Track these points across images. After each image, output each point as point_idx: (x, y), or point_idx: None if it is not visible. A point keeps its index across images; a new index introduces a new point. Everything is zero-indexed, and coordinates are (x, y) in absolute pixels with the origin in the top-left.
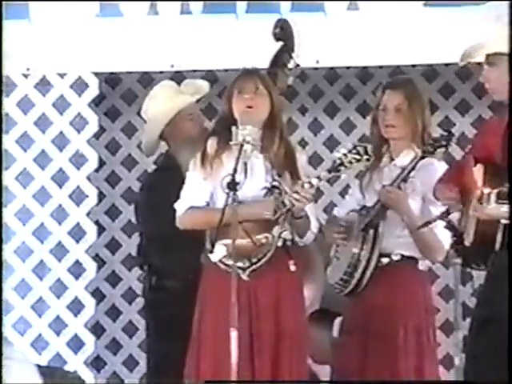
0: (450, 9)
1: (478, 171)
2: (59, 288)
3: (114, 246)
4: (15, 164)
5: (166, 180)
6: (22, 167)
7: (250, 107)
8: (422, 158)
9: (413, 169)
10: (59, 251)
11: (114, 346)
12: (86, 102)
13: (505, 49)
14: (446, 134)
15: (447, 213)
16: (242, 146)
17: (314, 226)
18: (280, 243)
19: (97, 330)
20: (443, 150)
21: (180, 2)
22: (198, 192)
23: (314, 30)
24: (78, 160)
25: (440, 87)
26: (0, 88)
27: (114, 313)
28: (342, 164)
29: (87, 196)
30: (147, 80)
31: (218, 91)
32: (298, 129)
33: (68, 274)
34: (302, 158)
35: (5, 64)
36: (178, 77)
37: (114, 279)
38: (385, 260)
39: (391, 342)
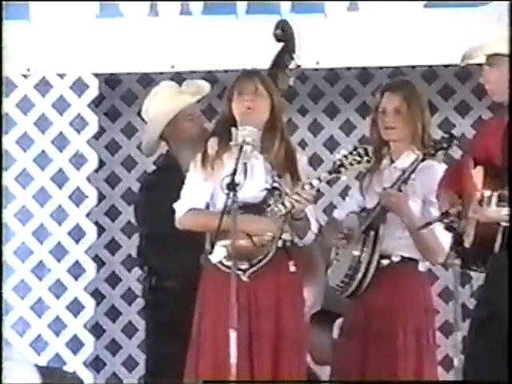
0: (450, 10)
1: (477, 173)
2: (59, 288)
3: (113, 246)
4: (15, 164)
5: (165, 180)
6: (21, 168)
7: (250, 109)
8: (423, 160)
9: (413, 171)
10: (59, 252)
11: (114, 347)
12: (85, 102)
13: (505, 50)
14: (447, 136)
15: (447, 214)
16: (241, 146)
17: (314, 227)
18: (280, 244)
19: (96, 330)
20: (444, 152)
21: (180, 3)
22: (198, 193)
23: (314, 30)
24: (78, 160)
25: (440, 88)
26: (0, 89)
27: (113, 313)
28: (342, 165)
29: (87, 196)
30: (147, 81)
31: (218, 92)
32: (297, 130)
33: (68, 274)
34: (302, 160)
35: (5, 64)
36: (178, 77)
37: (113, 280)
38: (385, 262)
39: (391, 343)
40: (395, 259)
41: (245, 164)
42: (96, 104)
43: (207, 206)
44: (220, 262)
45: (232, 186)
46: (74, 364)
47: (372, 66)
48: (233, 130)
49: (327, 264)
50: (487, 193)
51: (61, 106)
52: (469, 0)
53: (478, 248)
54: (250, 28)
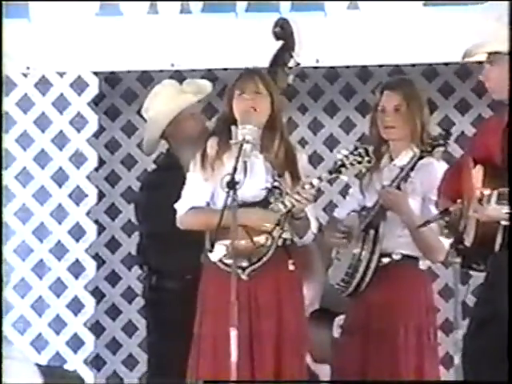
0: (449, 8)
1: (477, 172)
2: (59, 287)
3: (113, 245)
4: (15, 163)
5: (166, 179)
6: (21, 166)
7: (251, 108)
8: (421, 157)
9: (412, 169)
10: (59, 250)
11: (114, 346)
12: (85, 101)
13: (505, 48)
14: (443, 132)
15: (447, 212)
16: (241, 145)
17: (314, 227)
18: (280, 243)
19: (96, 329)
20: (441, 149)
21: (180, 2)
22: (199, 193)
23: (313, 29)
24: (78, 159)
25: (440, 86)
26: (0, 87)
27: (113, 312)
28: (343, 165)
29: (87, 195)
30: (147, 79)
31: (218, 90)
32: (297, 128)
33: (68, 273)
34: (302, 159)
35: (4, 63)
36: (178, 76)
37: (113, 278)
38: (385, 260)
39: (392, 341)
40: (396, 257)
41: (245, 162)
42: (96, 102)
43: (207, 205)
44: (220, 261)
45: (232, 185)
46: (75, 363)
47: (372, 65)
48: (233, 128)
49: (328, 263)
50: (487, 191)
51: (61, 104)
52: None
53: (479, 247)
54: (250, 26)
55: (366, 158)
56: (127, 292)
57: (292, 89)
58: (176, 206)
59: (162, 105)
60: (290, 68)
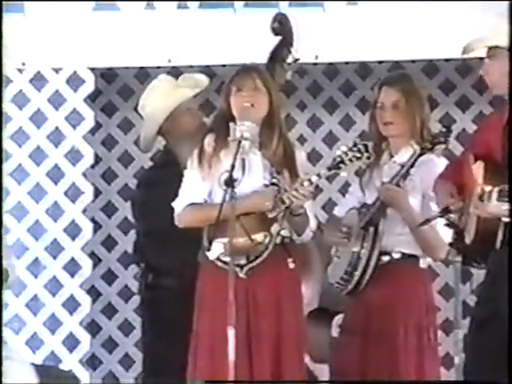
0: (450, 3)
1: (477, 168)
2: (54, 286)
3: (110, 243)
4: (10, 160)
5: (163, 176)
6: (16, 163)
7: (249, 105)
8: (422, 154)
9: (412, 166)
10: (54, 248)
11: (110, 345)
12: (81, 97)
13: (505, 42)
14: (444, 130)
15: (447, 210)
16: (239, 142)
17: (313, 224)
18: (278, 241)
19: (92, 328)
20: (442, 146)
21: None
22: (196, 191)
23: (312, 24)
24: (74, 156)
25: (440, 83)
26: (0, 85)
27: (109, 311)
28: (342, 162)
29: (83, 193)
30: (144, 75)
31: (216, 86)
32: (296, 125)
33: (63, 271)
34: (301, 156)
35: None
36: (175, 72)
37: (110, 277)
38: (385, 258)
39: (392, 341)
40: (395, 256)
41: (243, 159)
42: (92, 99)
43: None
44: (217, 259)
45: (230, 182)
46: (70, 362)
47: (371, 61)
48: (231, 125)
49: (327, 261)
50: (488, 188)
51: (56, 100)
52: None
53: (479, 244)
54: (248, 22)
55: (366, 155)
56: (123, 291)
57: (291, 85)
58: (173, 204)
59: (158, 100)
60: (289, 64)
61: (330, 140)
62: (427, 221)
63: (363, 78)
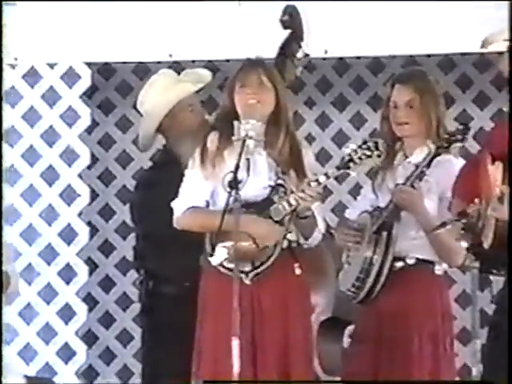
0: None
1: (496, 169)
2: (49, 293)
3: (107, 248)
4: (2, 161)
5: (163, 177)
6: (8, 164)
7: (253, 102)
8: (438, 154)
9: (428, 166)
10: (49, 254)
11: (108, 356)
12: (77, 94)
13: None
14: (461, 127)
15: (464, 213)
16: (244, 141)
17: (321, 227)
18: (285, 245)
19: (89, 338)
20: (459, 144)
21: None
22: (198, 191)
23: (322, 17)
24: (69, 156)
25: (457, 78)
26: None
27: (107, 320)
28: (351, 160)
29: (79, 195)
30: (143, 71)
31: (220, 82)
32: (304, 123)
33: (58, 278)
34: (308, 155)
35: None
36: (177, 67)
37: (107, 284)
38: (399, 264)
39: (406, 352)
40: (410, 261)
41: (248, 160)
42: (88, 96)
43: (207, 205)
44: (221, 265)
45: (234, 184)
46: (65, 374)
47: (384, 55)
48: (235, 123)
49: (338, 267)
50: (507, 189)
51: (51, 97)
52: None
53: (498, 249)
54: (254, 14)
55: (376, 153)
56: (122, 298)
57: (299, 81)
58: (173, 204)
59: (158, 95)
60: (299, 59)
61: (340, 139)
62: (443, 224)
63: (375, 73)
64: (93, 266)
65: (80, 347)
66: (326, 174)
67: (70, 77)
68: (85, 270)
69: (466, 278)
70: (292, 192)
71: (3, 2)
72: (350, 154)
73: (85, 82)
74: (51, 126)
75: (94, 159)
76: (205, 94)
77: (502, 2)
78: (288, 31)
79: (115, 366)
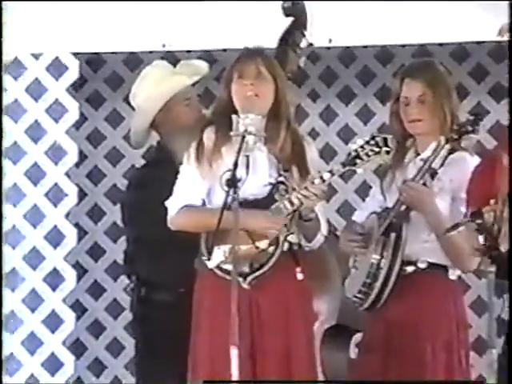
0: None
1: None
2: (34, 300)
3: (96, 252)
4: None
5: (157, 176)
6: None
7: (251, 94)
8: (451, 152)
9: (442, 165)
10: (34, 258)
11: (97, 367)
12: (64, 86)
13: None
14: (472, 118)
15: (479, 214)
16: (243, 137)
17: (324, 229)
18: (285, 248)
19: (77, 348)
20: (471, 136)
21: None
22: (193, 189)
23: (326, 4)
24: (56, 153)
25: (471, 69)
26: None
27: (96, 329)
28: (358, 156)
29: (66, 195)
30: (135, 61)
31: (217, 74)
32: (308, 117)
33: (44, 284)
34: (311, 151)
35: None
36: (171, 58)
37: (96, 290)
38: (409, 268)
39: (417, 362)
40: (421, 266)
41: (247, 157)
42: (76, 88)
43: (203, 204)
44: (217, 267)
45: (232, 182)
46: None
47: (393, 44)
48: (233, 118)
49: (345, 272)
50: None
51: (36, 90)
52: None
53: None
54: (254, 1)
55: (385, 149)
56: (112, 306)
57: (302, 73)
58: (167, 203)
59: (152, 88)
60: (302, 49)
61: (346, 134)
62: (456, 226)
63: (383, 63)
64: (81, 270)
65: (67, 358)
66: (330, 171)
67: (57, 68)
68: (72, 275)
69: (481, 283)
70: (294, 190)
71: None
72: (356, 150)
73: (72, 74)
74: (36, 121)
75: (83, 156)
76: (201, 86)
77: None
78: (290, 19)
79: (105, 378)
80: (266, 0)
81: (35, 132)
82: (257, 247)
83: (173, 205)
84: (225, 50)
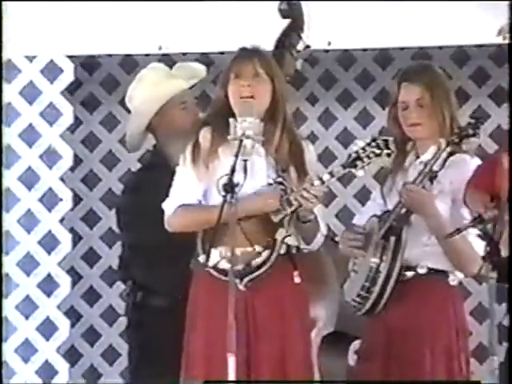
0: None
1: None
2: (28, 307)
3: (91, 257)
4: None
5: (153, 180)
6: None
7: (248, 96)
8: (451, 154)
9: (442, 167)
10: (28, 264)
11: (92, 375)
12: (59, 89)
13: None
14: (473, 121)
15: (481, 219)
16: (241, 141)
17: (323, 231)
18: (283, 250)
19: (71, 355)
20: (471, 140)
21: None
22: (190, 190)
23: (324, 6)
24: (50, 157)
25: (472, 72)
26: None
27: (91, 336)
28: (358, 158)
29: (61, 199)
30: (130, 64)
31: (214, 77)
32: (306, 121)
33: (38, 290)
34: (310, 152)
35: None
36: (167, 60)
37: (91, 296)
38: (409, 273)
39: (416, 369)
40: (421, 271)
41: (245, 161)
42: (71, 91)
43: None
44: (213, 267)
45: (230, 188)
46: None
47: (392, 47)
48: (231, 121)
49: (344, 277)
50: None
51: (30, 93)
52: None
53: None
54: (251, 2)
55: (386, 151)
56: (108, 312)
57: (300, 76)
58: (163, 205)
59: (148, 91)
60: (298, 51)
61: (345, 138)
62: (458, 230)
63: (383, 67)
64: (76, 276)
65: (62, 365)
66: (330, 173)
67: (51, 71)
68: (67, 281)
69: (482, 289)
70: (292, 191)
71: None
72: (357, 152)
73: (67, 77)
74: (30, 125)
75: (78, 160)
76: (198, 89)
77: None
78: (287, 21)
79: None
80: (262, 1)
81: (29, 136)
82: (254, 248)
83: (169, 205)
84: (222, 53)
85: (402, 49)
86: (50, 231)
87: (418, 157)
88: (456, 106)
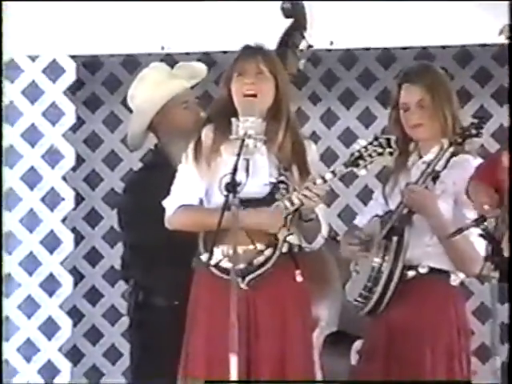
0: None
1: None
2: (30, 306)
3: (93, 257)
4: None
5: (154, 179)
6: None
7: (251, 94)
8: (454, 154)
9: (444, 167)
10: (30, 263)
11: (95, 374)
12: (61, 89)
13: None
14: (475, 121)
15: (483, 218)
16: (243, 140)
17: (324, 230)
18: (285, 249)
19: (74, 355)
20: (474, 140)
21: None
22: (191, 188)
23: (327, 5)
24: (53, 157)
25: (474, 72)
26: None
27: (93, 335)
28: (360, 157)
29: (63, 199)
30: (133, 64)
31: (216, 76)
32: (308, 121)
33: (40, 289)
34: (312, 151)
35: None
36: (170, 60)
37: (94, 296)
38: (411, 273)
39: (418, 369)
40: (422, 270)
41: (247, 160)
42: (73, 91)
43: (201, 203)
44: (215, 266)
45: (232, 187)
46: None
47: (395, 47)
48: (233, 120)
49: (346, 276)
50: None
51: (32, 93)
52: None
53: None
54: (254, 1)
55: (388, 150)
56: (110, 312)
57: (302, 75)
58: (164, 203)
59: (150, 91)
60: (301, 51)
61: (347, 138)
62: (460, 230)
63: (385, 66)
64: (78, 276)
65: (64, 365)
66: (332, 172)
67: (54, 70)
68: (69, 280)
69: (484, 289)
70: (295, 190)
71: None
72: (359, 151)
73: (69, 76)
74: (33, 124)
75: (80, 160)
76: (200, 88)
77: None
78: (290, 20)
79: None
80: (265, 0)
81: (32, 135)
82: (256, 247)
83: (170, 204)
84: (224, 52)
85: (405, 48)
86: (52, 231)
87: (420, 157)
88: (458, 105)
